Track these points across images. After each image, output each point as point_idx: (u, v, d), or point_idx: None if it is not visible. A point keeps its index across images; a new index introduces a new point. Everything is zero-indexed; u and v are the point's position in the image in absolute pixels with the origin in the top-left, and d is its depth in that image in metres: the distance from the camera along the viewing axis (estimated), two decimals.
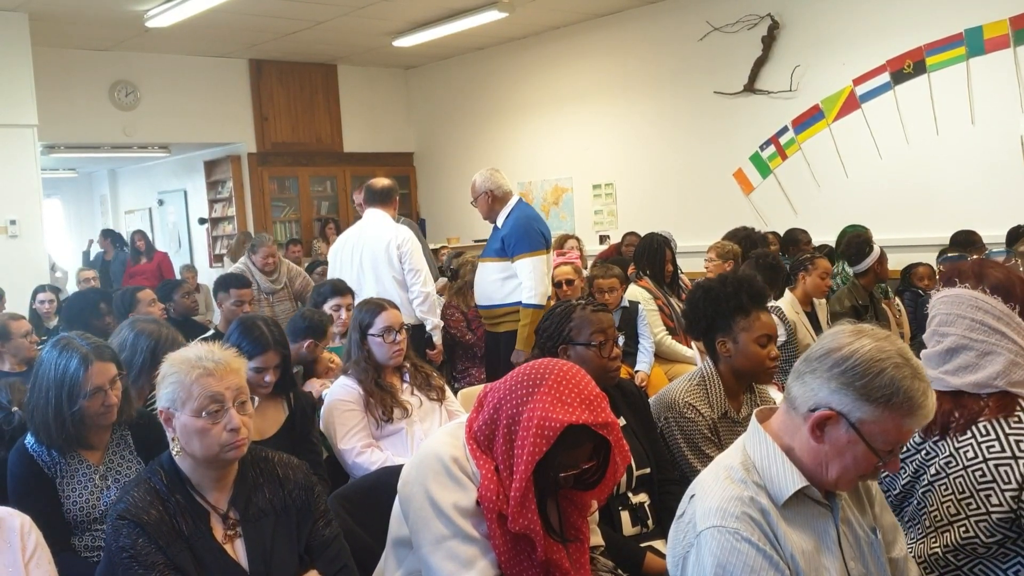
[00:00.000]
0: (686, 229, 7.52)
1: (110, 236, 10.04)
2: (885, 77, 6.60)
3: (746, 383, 2.69)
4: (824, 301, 4.90)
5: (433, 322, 4.95)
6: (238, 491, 1.99)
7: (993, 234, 5.62)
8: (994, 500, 1.81)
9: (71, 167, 12.68)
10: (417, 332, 4.81)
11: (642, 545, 2.40)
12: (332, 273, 5.08)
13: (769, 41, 7.24)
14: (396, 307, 3.36)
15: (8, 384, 2.98)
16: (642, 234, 5.80)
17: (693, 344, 4.78)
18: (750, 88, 7.41)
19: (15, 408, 2.80)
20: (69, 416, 2.39)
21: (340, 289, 4.38)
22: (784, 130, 7.26)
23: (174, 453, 1.96)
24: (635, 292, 5.04)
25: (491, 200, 4.82)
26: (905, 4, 6.45)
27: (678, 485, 2.44)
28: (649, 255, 5.23)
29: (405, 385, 3.28)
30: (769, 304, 4.15)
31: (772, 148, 7.36)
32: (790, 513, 1.58)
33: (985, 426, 1.86)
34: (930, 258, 5.89)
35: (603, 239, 8.71)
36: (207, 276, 9.68)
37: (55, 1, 6.94)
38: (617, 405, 2.50)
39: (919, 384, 1.50)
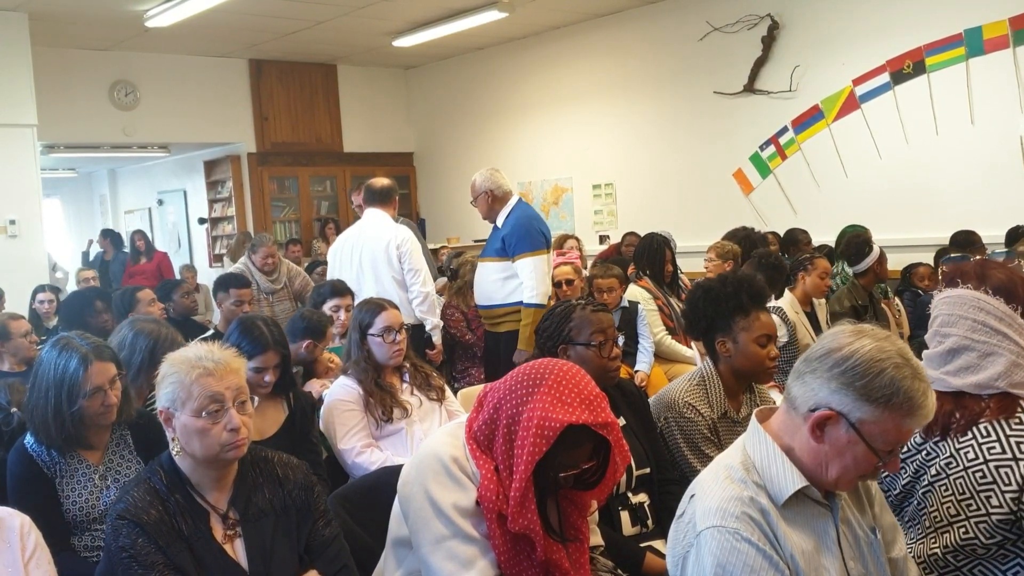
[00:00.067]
0: (686, 229, 7.52)
1: (110, 236, 10.03)
2: (885, 77, 6.60)
3: (746, 383, 2.69)
4: (824, 301, 4.90)
5: (433, 322, 4.95)
6: (238, 491, 1.99)
7: (992, 234, 5.62)
8: (994, 501, 1.81)
9: (71, 167, 12.68)
10: (417, 332, 4.80)
11: (642, 545, 2.40)
12: (332, 273, 5.08)
13: (769, 41, 7.24)
14: (396, 307, 3.36)
15: (8, 384, 2.98)
16: (642, 234, 5.79)
17: (693, 344, 4.78)
18: (750, 88, 7.41)
19: (14, 408, 2.80)
20: (69, 416, 2.39)
21: (340, 290, 4.38)
22: (784, 130, 7.26)
23: (174, 453, 1.96)
24: (635, 292, 5.04)
25: (491, 200, 4.82)
26: (905, 4, 6.45)
27: (678, 485, 2.44)
28: (649, 255, 5.23)
29: (405, 385, 3.28)
30: (770, 304, 4.16)
31: (772, 148, 7.36)
32: (790, 513, 1.58)
33: (986, 427, 1.86)
34: (929, 258, 5.90)
35: (603, 239, 8.70)
36: (207, 276, 9.67)
37: (55, 1, 6.94)
38: (617, 405, 2.50)
39: (919, 384, 1.50)
